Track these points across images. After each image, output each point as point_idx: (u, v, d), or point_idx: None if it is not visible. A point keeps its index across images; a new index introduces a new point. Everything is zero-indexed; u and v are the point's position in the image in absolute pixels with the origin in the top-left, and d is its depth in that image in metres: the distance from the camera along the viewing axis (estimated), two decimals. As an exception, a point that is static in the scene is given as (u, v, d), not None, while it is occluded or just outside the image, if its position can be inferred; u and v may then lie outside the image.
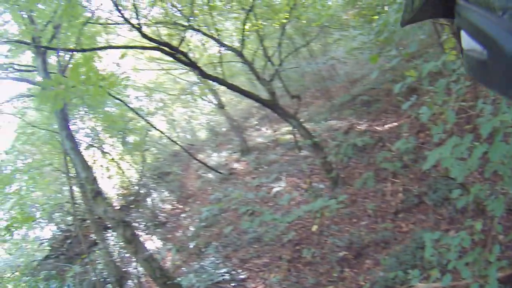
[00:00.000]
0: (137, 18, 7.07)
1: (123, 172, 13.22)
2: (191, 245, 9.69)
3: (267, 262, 7.20)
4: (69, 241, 14.11)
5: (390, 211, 6.27)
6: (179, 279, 7.80)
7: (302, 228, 7.53)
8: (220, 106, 15.55)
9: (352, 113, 10.66)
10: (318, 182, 9.02)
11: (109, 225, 11.32)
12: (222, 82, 8.05)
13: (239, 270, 7.39)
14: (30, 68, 9.52)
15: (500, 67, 0.45)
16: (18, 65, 9.99)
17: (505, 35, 0.44)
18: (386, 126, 8.93)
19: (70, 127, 8.55)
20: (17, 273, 14.12)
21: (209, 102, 18.58)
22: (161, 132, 15.53)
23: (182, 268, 8.95)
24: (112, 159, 13.69)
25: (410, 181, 6.54)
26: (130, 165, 17.14)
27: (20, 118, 12.84)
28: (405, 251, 5.05)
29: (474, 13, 0.51)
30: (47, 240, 17.18)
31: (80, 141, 12.77)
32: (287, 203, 8.43)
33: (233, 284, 7.05)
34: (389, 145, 7.79)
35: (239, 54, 9.07)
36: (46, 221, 17.69)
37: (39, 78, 9.16)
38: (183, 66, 12.90)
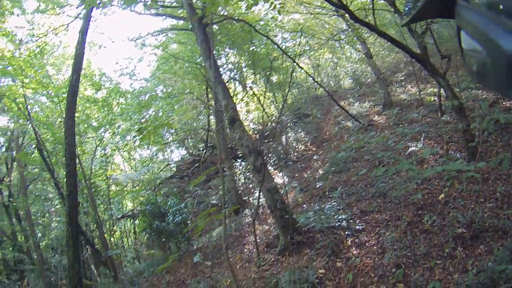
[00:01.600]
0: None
1: (262, 108, 13.76)
2: (317, 186, 9.86)
3: (387, 219, 7.03)
4: (196, 165, 15.57)
5: (517, 199, 5.65)
6: (296, 215, 8.06)
7: (429, 193, 7.12)
8: (368, 55, 14.99)
9: (500, 85, 9.30)
10: (455, 150, 8.42)
11: (240, 155, 12.12)
12: (373, 28, 7.62)
13: (357, 221, 7.37)
14: (174, 4, 10.19)
15: (500, 67, 0.45)
16: (163, 1, 10.69)
17: (504, 35, 0.44)
18: (534, 105, 7.83)
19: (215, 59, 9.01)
20: (137, 187, 16.26)
21: (356, 50, 17.91)
22: (307, 73, 15.61)
23: (303, 206, 9.24)
24: (254, 94, 14.33)
25: (546, 168, 5.81)
26: (271, 102, 17.86)
27: (163, 50, 14.06)
28: (520, 245, 4.61)
29: (474, 13, 0.52)
30: (174, 163, 19.36)
31: (224, 74, 13.54)
32: (428, 156, 8.09)
33: (347, 233, 7.06)
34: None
35: (391, 3, 8.37)
36: (177, 144, 19.79)
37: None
38: (332, 10, 12.42)
